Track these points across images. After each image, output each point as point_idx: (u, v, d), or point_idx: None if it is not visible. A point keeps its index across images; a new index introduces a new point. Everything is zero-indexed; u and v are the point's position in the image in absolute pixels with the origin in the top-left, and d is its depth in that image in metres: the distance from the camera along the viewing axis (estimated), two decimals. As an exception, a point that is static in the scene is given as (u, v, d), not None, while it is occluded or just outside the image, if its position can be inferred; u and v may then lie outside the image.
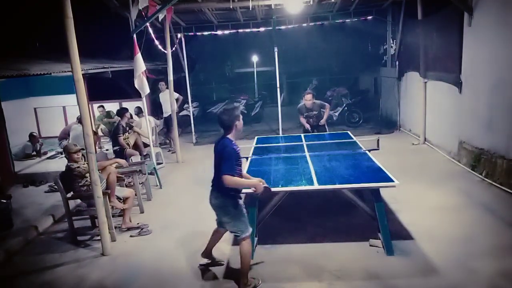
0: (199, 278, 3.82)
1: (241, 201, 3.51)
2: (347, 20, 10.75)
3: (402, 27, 9.69)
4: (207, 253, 3.97)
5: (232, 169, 3.31)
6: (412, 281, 3.53)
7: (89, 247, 4.66)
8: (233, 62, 18.94)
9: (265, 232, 4.43)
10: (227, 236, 4.62)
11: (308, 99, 6.96)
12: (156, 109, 11.08)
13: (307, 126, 7.13)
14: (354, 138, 6.20)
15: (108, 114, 10.31)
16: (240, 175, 3.49)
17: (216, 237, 3.91)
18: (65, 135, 9.02)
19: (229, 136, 3.48)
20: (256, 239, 4.18)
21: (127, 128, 7.44)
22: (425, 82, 8.34)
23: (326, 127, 7.41)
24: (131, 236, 4.86)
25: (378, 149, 5.47)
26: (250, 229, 3.52)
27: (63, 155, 5.00)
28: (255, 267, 3.91)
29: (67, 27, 3.95)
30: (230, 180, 3.27)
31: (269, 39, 11.78)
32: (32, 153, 8.48)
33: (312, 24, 11.07)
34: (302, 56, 16.91)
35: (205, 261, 3.98)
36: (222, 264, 4.00)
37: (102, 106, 10.40)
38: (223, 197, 3.46)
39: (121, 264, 4.21)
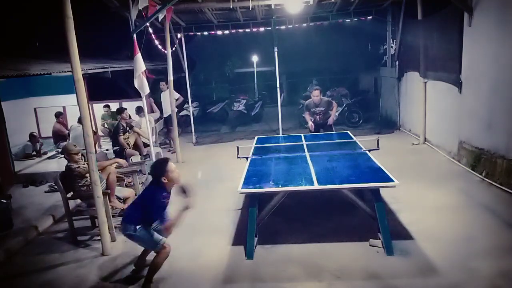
0: (198, 278, 3.82)
1: (138, 227, 3.53)
2: (347, 20, 10.76)
3: (402, 27, 9.69)
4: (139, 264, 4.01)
5: (167, 217, 3.40)
6: (412, 281, 3.53)
7: (89, 247, 4.66)
8: (233, 62, 18.93)
9: (265, 232, 4.43)
10: (227, 236, 4.63)
11: (315, 95, 7.13)
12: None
13: (311, 123, 7.18)
14: (354, 138, 6.20)
15: (113, 115, 10.28)
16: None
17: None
18: (60, 136, 9.03)
19: (164, 187, 3.51)
20: (256, 239, 4.18)
21: (127, 128, 7.44)
22: (425, 82, 8.34)
23: (333, 127, 7.45)
24: (131, 236, 4.86)
25: (378, 149, 5.47)
26: (163, 240, 3.56)
27: (63, 156, 4.99)
28: (255, 267, 3.91)
29: (67, 27, 3.95)
30: (171, 223, 3.40)
31: (269, 39, 11.78)
32: (32, 153, 8.48)
33: (312, 24, 11.07)
34: (302, 56, 16.89)
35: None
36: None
37: (108, 106, 10.39)
38: (127, 228, 3.55)
39: (121, 264, 4.21)
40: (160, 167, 3.53)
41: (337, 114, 11.32)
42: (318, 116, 7.27)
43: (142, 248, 4.52)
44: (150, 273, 3.63)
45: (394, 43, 10.76)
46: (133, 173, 5.71)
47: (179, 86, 10.94)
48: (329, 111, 7.32)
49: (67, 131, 9.09)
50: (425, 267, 3.70)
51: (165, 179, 3.47)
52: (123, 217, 3.72)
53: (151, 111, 9.42)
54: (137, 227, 3.52)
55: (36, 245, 4.86)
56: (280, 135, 9.81)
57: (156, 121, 9.42)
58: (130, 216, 3.62)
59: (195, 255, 4.24)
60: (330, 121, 7.29)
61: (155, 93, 10.38)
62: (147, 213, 3.49)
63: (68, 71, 4.98)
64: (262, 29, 11.06)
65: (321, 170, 4.46)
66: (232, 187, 5.30)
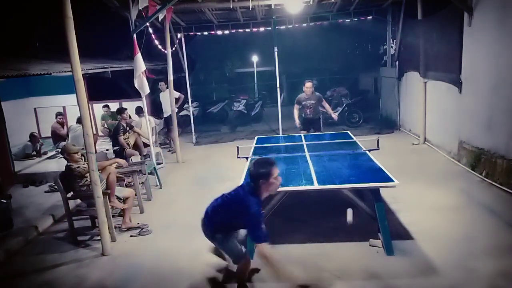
0: (199, 278, 3.82)
1: (217, 235, 3.19)
2: (347, 20, 10.76)
3: (402, 27, 9.69)
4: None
5: (265, 235, 2.84)
6: (412, 281, 3.53)
7: (89, 247, 4.66)
8: (233, 62, 18.93)
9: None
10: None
11: (308, 87, 7.24)
12: (156, 109, 11.09)
13: (297, 121, 7.32)
14: (354, 138, 6.20)
15: (114, 116, 10.29)
16: None
17: None
18: (57, 136, 9.02)
19: (259, 194, 3.01)
20: (256, 239, 4.18)
21: (127, 128, 7.44)
22: (425, 82, 8.34)
23: (321, 125, 7.49)
24: (131, 236, 4.86)
25: (378, 149, 5.47)
26: (245, 254, 3.29)
27: (62, 156, 4.98)
28: (255, 267, 3.91)
29: (67, 27, 3.95)
30: (266, 252, 2.77)
31: (269, 39, 11.79)
32: (32, 153, 8.47)
33: (312, 24, 11.08)
34: (302, 56, 16.90)
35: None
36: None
37: (107, 106, 10.41)
38: (206, 230, 3.21)
39: (121, 264, 4.21)
40: (265, 166, 2.96)
41: (337, 114, 11.37)
42: (308, 110, 7.33)
43: (143, 248, 4.54)
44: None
45: (394, 43, 10.77)
46: (133, 173, 5.71)
47: (179, 86, 10.96)
48: (320, 106, 7.43)
49: (65, 131, 9.09)
50: (425, 267, 3.70)
51: (265, 184, 2.94)
52: (205, 214, 3.22)
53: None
54: (217, 235, 3.15)
55: (36, 245, 4.86)
56: (280, 135, 9.80)
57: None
58: (212, 218, 3.15)
59: (195, 255, 4.24)
60: (335, 117, 7.36)
61: (154, 93, 10.39)
62: (236, 221, 3.03)
63: (68, 71, 4.98)
64: (262, 29, 11.07)
65: (321, 170, 4.46)
66: (232, 187, 5.29)
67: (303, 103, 7.35)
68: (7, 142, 7.39)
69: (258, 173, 2.94)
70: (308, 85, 7.26)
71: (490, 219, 4.65)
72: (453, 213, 4.89)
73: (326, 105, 7.45)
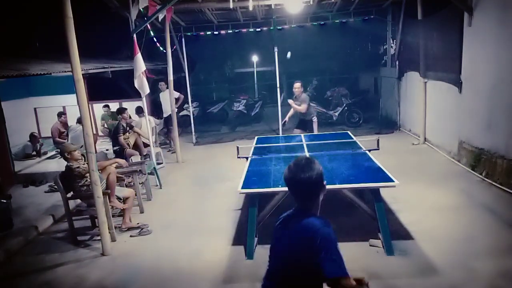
0: (198, 278, 3.82)
1: None
2: (347, 20, 10.77)
3: (402, 27, 9.69)
4: None
5: (344, 266, 1.93)
6: (412, 281, 3.53)
7: (89, 247, 4.66)
8: (233, 62, 18.92)
9: (265, 232, 4.41)
10: (227, 236, 4.63)
11: (296, 87, 7.48)
12: (156, 109, 11.09)
13: (286, 119, 7.77)
14: (354, 138, 6.20)
15: (114, 116, 10.29)
16: None
17: None
18: (60, 136, 9.00)
19: (314, 212, 2.11)
20: (256, 239, 4.18)
21: (128, 128, 7.44)
22: (425, 82, 8.34)
23: (314, 127, 7.48)
24: (131, 236, 4.86)
25: (378, 149, 5.47)
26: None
27: (61, 156, 4.97)
28: (255, 267, 3.91)
29: (67, 27, 3.95)
30: (350, 285, 1.81)
31: (269, 39, 11.79)
32: (32, 153, 8.47)
33: (312, 24, 11.08)
34: (302, 56, 16.90)
35: None
36: None
37: (107, 106, 10.41)
38: None
39: (121, 264, 4.21)
40: (313, 164, 1.99)
41: (337, 114, 11.39)
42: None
43: (143, 248, 4.54)
44: None
45: (394, 43, 10.76)
46: (133, 173, 5.72)
47: (179, 86, 10.94)
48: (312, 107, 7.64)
49: (61, 139, 9.06)
50: (425, 267, 3.70)
51: (323, 189, 2.07)
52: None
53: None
54: None
55: (36, 245, 4.86)
56: (280, 135, 9.80)
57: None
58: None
59: (195, 255, 4.24)
60: (294, 107, 7.44)
61: (154, 93, 10.39)
62: (323, 261, 1.92)
63: (68, 71, 4.98)
64: (262, 29, 11.07)
65: (321, 170, 4.45)
66: (232, 187, 5.31)
67: (295, 102, 7.54)
68: (7, 142, 7.39)
69: (316, 177, 1.97)
70: (296, 86, 7.46)
71: (490, 219, 4.65)
72: (453, 213, 4.89)
73: (303, 105, 7.32)
